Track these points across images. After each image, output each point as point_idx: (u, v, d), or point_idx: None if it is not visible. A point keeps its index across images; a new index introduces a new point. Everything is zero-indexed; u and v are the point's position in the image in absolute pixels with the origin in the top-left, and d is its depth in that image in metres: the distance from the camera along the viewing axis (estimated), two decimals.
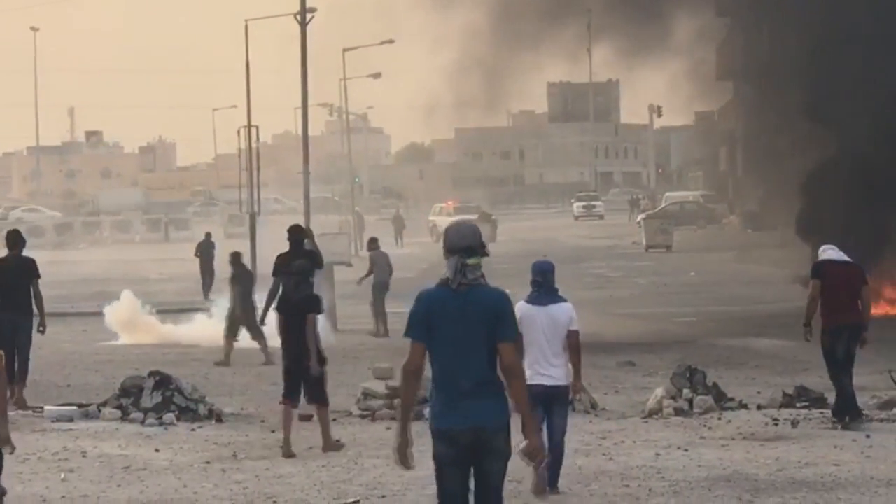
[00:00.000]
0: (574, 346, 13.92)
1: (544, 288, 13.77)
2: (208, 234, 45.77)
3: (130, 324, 33.37)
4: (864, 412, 19.18)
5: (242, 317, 27.50)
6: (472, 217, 57.56)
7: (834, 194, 38.74)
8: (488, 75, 45.93)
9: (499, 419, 9.39)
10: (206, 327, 32.13)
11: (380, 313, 33.05)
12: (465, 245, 9.37)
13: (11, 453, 12.21)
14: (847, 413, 18.95)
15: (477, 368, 9.37)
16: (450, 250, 9.46)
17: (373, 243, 34.60)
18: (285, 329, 17.35)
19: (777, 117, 44.48)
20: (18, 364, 20.40)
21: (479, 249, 9.41)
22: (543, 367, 13.59)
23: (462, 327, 9.30)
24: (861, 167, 38.81)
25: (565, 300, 13.98)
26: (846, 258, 19.40)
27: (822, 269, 19.19)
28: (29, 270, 21.69)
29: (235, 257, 28.96)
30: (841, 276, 19.07)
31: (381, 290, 33.32)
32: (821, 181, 40.46)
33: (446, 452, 9.60)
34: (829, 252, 19.40)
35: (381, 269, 33.50)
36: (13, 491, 13.07)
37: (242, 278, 28.36)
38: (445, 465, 9.59)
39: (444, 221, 60.15)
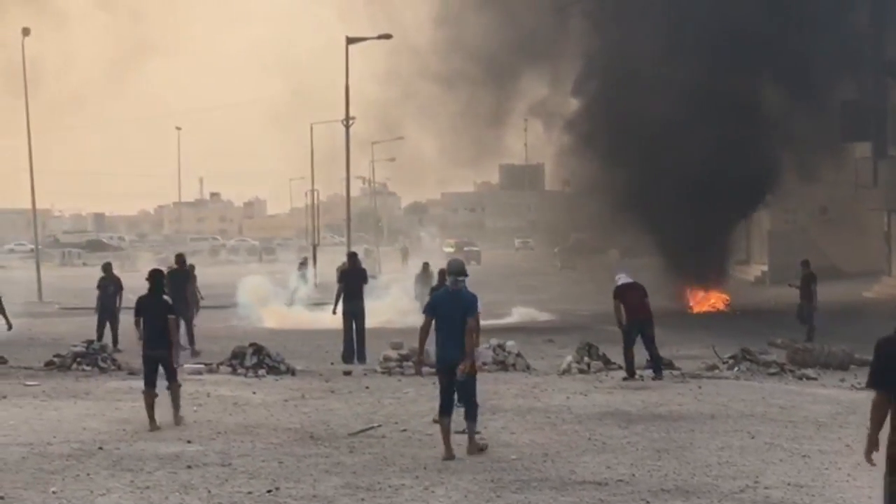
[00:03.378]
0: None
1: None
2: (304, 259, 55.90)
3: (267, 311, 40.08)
4: (639, 375, 22.81)
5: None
6: (475, 248, 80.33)
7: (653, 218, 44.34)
8: (462, 160, 59.67)
9: (462, 358, 14.74)
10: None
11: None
12: (457, 270, 15.50)
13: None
14: (656, 372, 22.95)
15: (456, 331, 14.85)
16: (449, 273, 15.80)
17: (425, 267, 39.59)
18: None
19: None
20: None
21: (463, 272, 15.45)
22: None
23: (452, 310, 15.00)
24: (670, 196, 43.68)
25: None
26: (631, 280, 23.63)
27: (619, 291, 23.35)
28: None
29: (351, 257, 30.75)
30: (632, 292, 23.38)
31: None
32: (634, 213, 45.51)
33: (440, 368, 15.17)
34: (622, 276, 23.78)
35: (424, 285, 36.73)
36: (168, 413, 17.33)
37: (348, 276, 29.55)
38: (440, 373, 15.20)
39: (450, 250, 76.75)
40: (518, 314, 42.36)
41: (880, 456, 9.04)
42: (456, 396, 15.01)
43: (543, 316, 42.74)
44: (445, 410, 14.91)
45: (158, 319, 17.53)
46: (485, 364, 22.72)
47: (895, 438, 8.53)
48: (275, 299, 43.16)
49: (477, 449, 15.03)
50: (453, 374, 14.86)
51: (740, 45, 43.63)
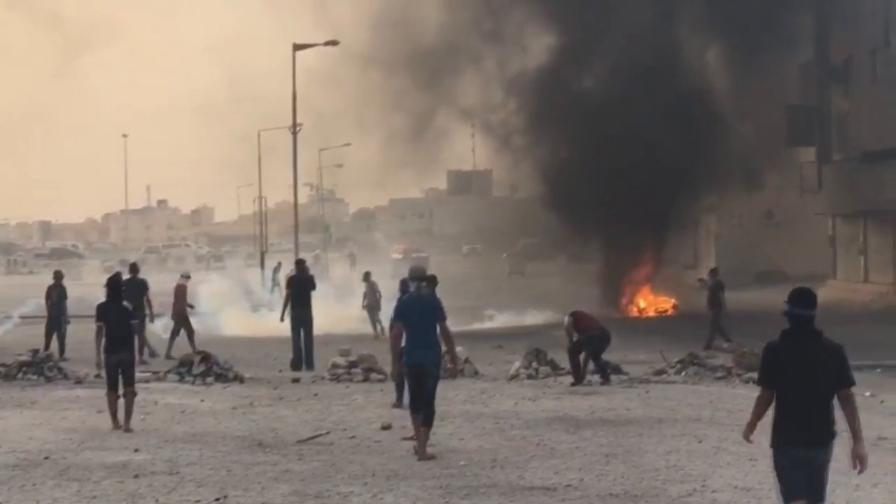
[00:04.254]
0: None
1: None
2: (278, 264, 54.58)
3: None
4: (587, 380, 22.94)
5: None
6: (423, 255, 76.53)
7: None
8: (412, 165, 59.43)
9: (433, 360, 15.27)
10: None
11: (377, 320, 37.13)
12: (419, 276, 15.98)
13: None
14: (604, 378, 22.95)
15: (424, 334, 15.33)
16: (412, 278, 16.17)
17: (367, 276, 39.02)
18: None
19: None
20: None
21: (424, 278, 15.96)
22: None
23: (420, 314, 15.42)
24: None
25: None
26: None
27: (576, 315, 23.68)
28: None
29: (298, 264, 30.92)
30: (588, 317, 23.88)
31: (373, 309, 37.54)
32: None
33: (409, 371, 15.47)
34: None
35: (372, 294, 37.97)
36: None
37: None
38: (410, 376, 15.49)
39: (398, 257, 76.67)
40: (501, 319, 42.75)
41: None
42: (406, 399, 15.55)
43: (489, 322, 42.80)
44: (417, 408, 15.36)
45: (119, 325, 18.09)
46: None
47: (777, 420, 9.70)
48: (237, 304, 43.16)
49: (428, 456, 15.21)
50: (423, 376, 15.32)
51: (682, 53, 44.01)
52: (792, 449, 9.53)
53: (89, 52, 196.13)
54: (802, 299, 9.76)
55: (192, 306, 32.85)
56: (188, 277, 33.48)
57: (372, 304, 38.08)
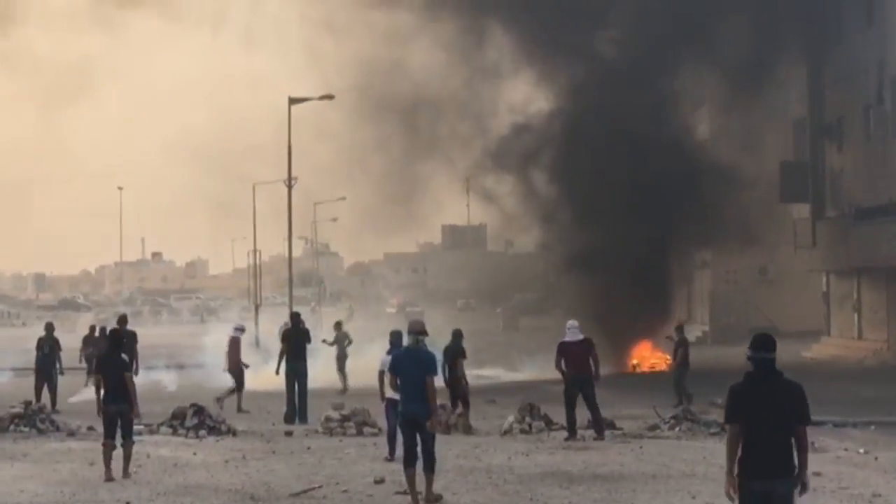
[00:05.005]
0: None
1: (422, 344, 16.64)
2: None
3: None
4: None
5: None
6: (418, 309, 75.57)
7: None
8: (406, 222, 60.36)
9: (424, 411, 15.53)
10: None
11: (344, 374, 37.01)
12: (418, 330, 16.10)
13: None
14: (598, 432, 22.94)
15: (418, 387, 15.61)
16: (410, 332, 16.31)
17: (339, 325, 39.16)
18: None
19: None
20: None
21: (423, 332, 16.10)
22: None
23: (413, 368, 15.75)
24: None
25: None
26: (580, 335, 23.51)
27: (562, 347, 23.36)
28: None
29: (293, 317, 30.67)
30: (576, 348, 23.32)
31: (342, 359, 37.28)
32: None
33: (404, 422, 15.84)
34: (572, 328, 23.61)
35: (342, 345, 37.62)
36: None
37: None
38: (404, 426, 15.87)
39: (393, 311, 77.57)
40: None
41: None
42: (399, 452, 16.05)
43: (485, 375, 42.65)
44: (410, 462, 15.68)
45: (116, 376, 18.35)
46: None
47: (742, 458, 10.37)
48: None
49: (434, 498, 15.71)
50: (416, 428, 15.73)
51: (679, 112, 44.23)
52: (753, 481, 10.20)
53: (75, 100, 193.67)
54: (763, 344, 10.37)
55: (246, 365, 32.24)
56: (242, 330, 33.18)
57: (340, 355, 37.74)
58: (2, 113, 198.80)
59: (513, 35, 49.14)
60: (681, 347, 31.01)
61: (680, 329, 32.03)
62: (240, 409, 29.85)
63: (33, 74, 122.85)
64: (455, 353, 25.38)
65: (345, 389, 35.88)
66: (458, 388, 25.31)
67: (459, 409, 25.05)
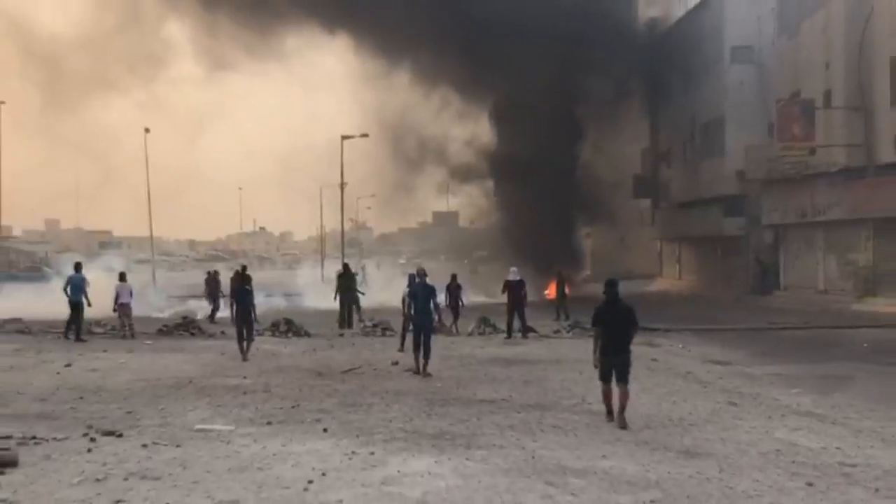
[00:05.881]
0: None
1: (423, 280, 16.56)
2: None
3: None
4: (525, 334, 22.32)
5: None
6: (418, 260, 69.77)
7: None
8: (410, 208, 60.06)
9: (429, 322, 15.56)
10: None
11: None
12: (422, 272, 16.12)
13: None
14: (524, 335, 22.51)
15: (425, 307, 15.60)
16: (418, 274, 16.20)
17: (346, 267, 33.33)
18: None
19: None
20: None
21: (425, 273, 16.12)
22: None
23: (422, 294, 15.71)
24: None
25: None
26: (518, 276, 22.96)
27: (506, 284, 22.97)
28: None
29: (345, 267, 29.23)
30: (515, 285, 22.88)
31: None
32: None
33: (415, 327, 15.72)
34: (513, 273, 23.20)
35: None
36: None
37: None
38: (414, 330, 15.79)
39: (403, 262, 71.88)
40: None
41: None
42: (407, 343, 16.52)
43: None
44: (417, 349, 15.81)
45: (245, 302, 18.24)
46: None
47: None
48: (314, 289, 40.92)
49: (427, 374, 15.57)
50: (422, 330, 15.77)
51: (571, 143, 43.77)
52: (605, 356, 11.20)
53: (203, 132, 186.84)
54: (611, 284, 11.34)
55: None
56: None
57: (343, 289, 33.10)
58: (159, 137, 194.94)
59: (460, 94, 48.62)
60: (560, 285, 29.64)
61: (559, 274, 30.52)
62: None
63: (173, 115, 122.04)
64: (453, 288, 24.98)
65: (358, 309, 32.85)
66: (457, 308, 24.76)
67: (452, 320, 24.54)
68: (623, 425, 10.84)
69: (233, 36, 49.11)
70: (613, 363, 11.11)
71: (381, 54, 47.70)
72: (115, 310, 23.23)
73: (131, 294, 23.46)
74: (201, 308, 31.58)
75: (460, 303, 24.86)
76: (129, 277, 24.25)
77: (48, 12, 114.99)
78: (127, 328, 22.91)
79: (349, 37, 48.53)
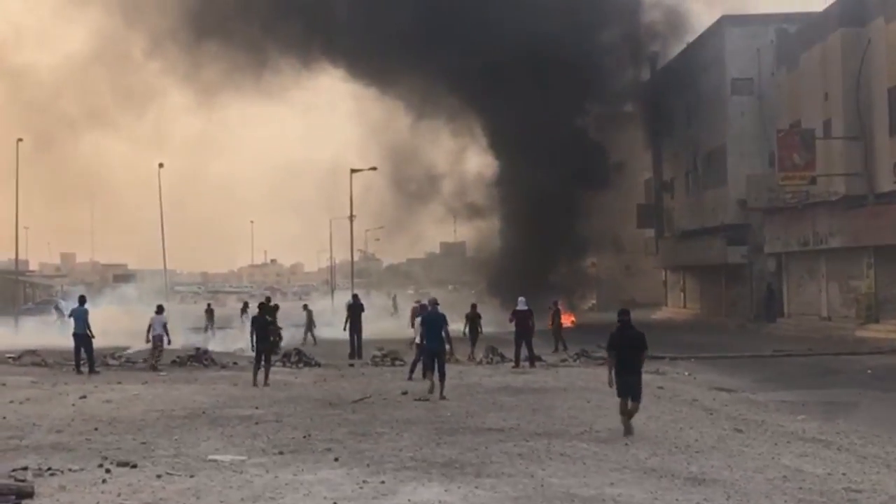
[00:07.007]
0: (446, 331, 16.97)
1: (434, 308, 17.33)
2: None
3: None
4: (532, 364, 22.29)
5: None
6: (426, 290, 69.39)
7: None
8: (418, 239, 60.85)
9: (440, 347, 15.93)
10: None
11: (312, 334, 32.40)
12: (434, 301, 16.61)
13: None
14: (531, 364, 22.56)
15: (437, 334, 16.03)
16: (430, 303, 16.77)
17: (305, 307, 34.24)
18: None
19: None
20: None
21: (437, 303, 16.58)
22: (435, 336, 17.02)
23: (433, 322, 16.09)
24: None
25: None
26: (526, 306, 22.81)
27: (513, 314, 22.88)
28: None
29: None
30: (522, 314, 22.72)
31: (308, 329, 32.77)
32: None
33: (427, 353, 16.08)
34: (521, 302, 22.94)
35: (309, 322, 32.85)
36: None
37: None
38: (426, 355, 16.16)
39: (411, 293, 70.13)
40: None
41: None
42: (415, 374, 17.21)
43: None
44: (432, 369, 16.62)
45: (262, 330, 19.24)
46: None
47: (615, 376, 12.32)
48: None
49: (444, 397, 16.11)
50: (434, 356, 16.55)
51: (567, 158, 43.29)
52: (619, 377, 12.23)
53: (210, 162, 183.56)
54: (624, 312, 12.53)
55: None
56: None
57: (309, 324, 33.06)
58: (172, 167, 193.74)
59: (462, 126, 48.79)
60: (556, 316, 29.05)
61: (555, 305, 29.39)
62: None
63: (185, 149, 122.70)
64: (472, 317, 25.13)
65: (314, 342, 31.63)
66: (475, 337, 24.70)
67: (471, 347, 24.46)
68: (628, 429, 12.21)
69: (228, 71, 49.37)
70: (627, 382, 12.23)
71: (388, 91, 48.20)
72: (147, 340, 23.66)
73: (165, 327, 23.70)
74: (199, 339, 31.58)
75: (478, 330, 24.86)
76: (141, 310, 24.37)
77: (37, 50, 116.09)
78: (154, 359, 23.25)
79: (350, 70, 48.93)
